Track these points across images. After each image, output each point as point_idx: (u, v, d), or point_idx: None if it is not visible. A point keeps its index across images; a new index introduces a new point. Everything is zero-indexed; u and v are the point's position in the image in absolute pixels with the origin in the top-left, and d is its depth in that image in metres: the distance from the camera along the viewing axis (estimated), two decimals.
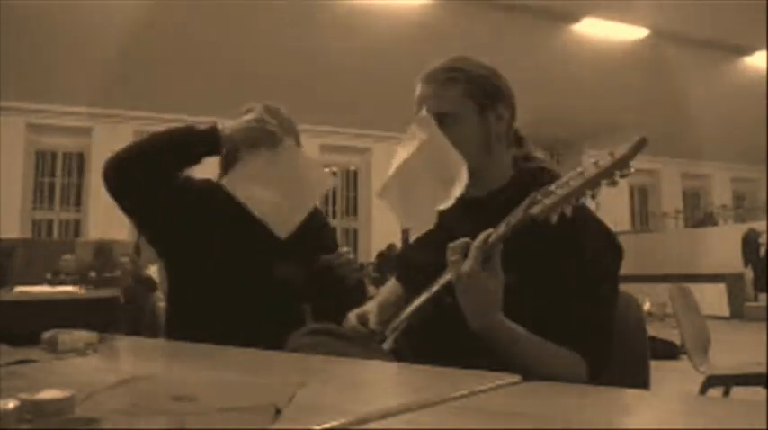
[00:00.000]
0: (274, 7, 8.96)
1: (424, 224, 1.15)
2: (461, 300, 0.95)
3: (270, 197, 1.51)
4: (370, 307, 1.26)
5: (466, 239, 0.94)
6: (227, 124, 1.50)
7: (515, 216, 0.93)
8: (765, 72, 11.66)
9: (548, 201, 0.90)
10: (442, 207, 1.11)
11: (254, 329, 1.33)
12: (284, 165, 1.52)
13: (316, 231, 1.64)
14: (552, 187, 0.91)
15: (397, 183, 1.19)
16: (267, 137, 1.49)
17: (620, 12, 10.25)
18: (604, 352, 1.00)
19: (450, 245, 0.95)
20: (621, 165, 0.88)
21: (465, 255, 0.93)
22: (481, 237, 0.92)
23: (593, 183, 0.89)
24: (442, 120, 1.12)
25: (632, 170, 0.88)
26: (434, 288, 1.07)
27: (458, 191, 1.09)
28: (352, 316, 1.23)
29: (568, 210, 0.90)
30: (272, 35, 9.30)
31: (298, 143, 1.63)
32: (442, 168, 1.11)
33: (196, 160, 1.50)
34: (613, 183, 0.88)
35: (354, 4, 9.44)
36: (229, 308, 1.52)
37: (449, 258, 0.95)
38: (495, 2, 9.51)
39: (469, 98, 1.12)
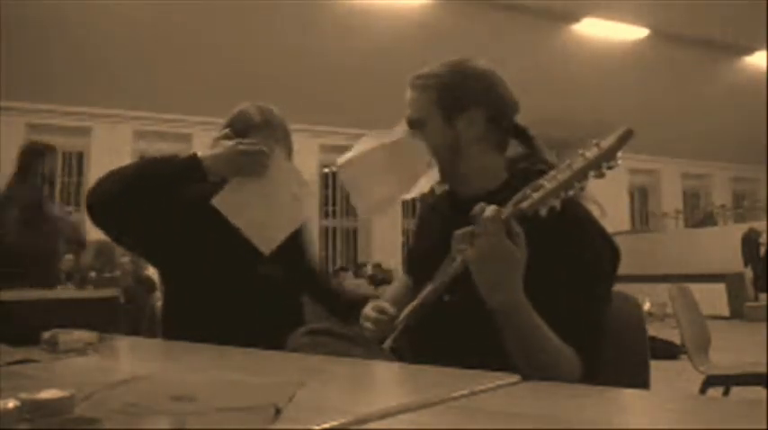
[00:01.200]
0: (274, 7, 8.96)
1: (371, 209, 1.30)
2: (479, 273, 0.91)
3: (257, 216, 1.53)
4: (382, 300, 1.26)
5: (469, 229, 0.93)
6: (207, 152, 1.49)
7: (506, 210, 0.93)
8: (765, 72, 11.66)
9: (536, 195, 0.91)
10: (403, 199, 1.23)
11: (251, 329, 1.33)
12: (273, 181, 1.53)
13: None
14: (541, 181, 0.92)
15: (359, 163, 1.27)
16: (251, 165, 1.49)
17: (620, 12, 10.25)
18: (598, 351, 0.99)
19: (456, 233, 0.94)
20: (608, 156, 0.88)
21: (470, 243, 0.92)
22: (490, 210, 0.90)
23: (580, 176, 0.89)
24: (411, 126, 1.18)
25: (619, 162, 0.89)
26: (433, 285, 1.08)
27: (423, 186, 1.18)
28: (368, 309, 1.23)
29: (558, 204, 0.90)
30: (272, 35, 9.30)
31: (289, 149, 1.62)
32: (412, 164, 1.19)
33: (180, 187, 1.50)
34: (601, 175, 0.89)
35: (354, 4, 9.44)
36: (225, 309, 1.51)
37: (455, 248, 0.94)
38: (495, 2, 9.51)
39: (437, 105, 1.16)
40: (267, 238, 1.54)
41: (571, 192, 0.90)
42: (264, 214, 1.54)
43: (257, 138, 1.53)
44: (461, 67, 1.18)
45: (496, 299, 0.92)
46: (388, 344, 1.13)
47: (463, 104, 1.15)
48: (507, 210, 0.91)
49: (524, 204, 0.91)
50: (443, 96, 1.15)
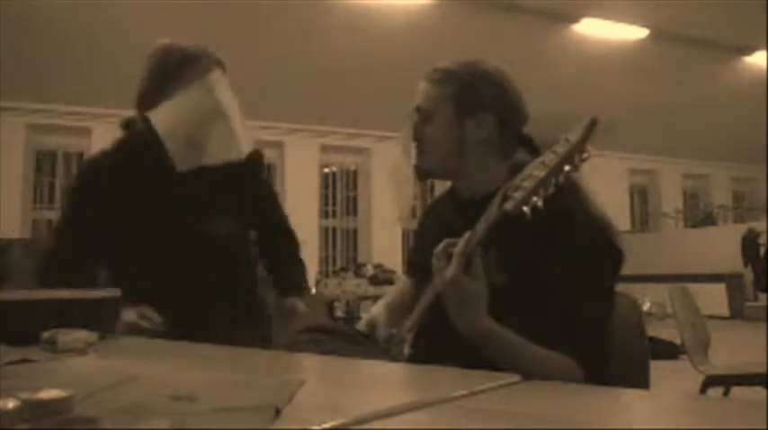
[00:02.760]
0: (275, 8, 8.96)
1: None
2: (448, 307, 0.94)
3: (183, 132, 1.52)
4: (378, 310, 1.26)
5: (451, 240, 0.94)
6: None
7: (490, 214, 0.93)
8: (765, 72, 11.65)
9: (518, 195, 0.91)
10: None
11: (209, 299, 1.45)
12: (214, 107, 1.52)
13: (252, 189, 1.68)
14: (519, 181, 0.92)
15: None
16: None
17: (619, 12, 10.24)
18: (595, 357, 0.98)
19: (435, 251, 0.95)
20: (579, 148, 0.89)
21: (449, 260, 0.93)
22: (461, 241, 0.92)
23: (556, 171, 0.89)
24: (419, 114, 1.18)
25: (589, 155, 0.90)
26: (437, 287, 1.07)
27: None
28: (362, 323, 1.23)
29: (540, 202, 0.90)
30: (273, 36, 9.30)
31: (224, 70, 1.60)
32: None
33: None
34: (575, 169, 0.89)
35: (355, 5, 9.43)
36: (171, 271, 1.52)
37: (434, 266, 0.95)
38: (495, 2, 9.50)
39: (451, 102, 1.15)
40: (186, 158, 1.52)
41: (551, 190, 0.90)
42: (194, 134, 1.52)
43: (195, 71, 1.52)
44: (480, 68, 1.17)
45: (463, 329, 0.94)
46: (407, 350, 1.12)
47: (477, 106, 1.14)
48: (460, 246, 0.92)
49: (508, 205, 0.91)
50: (459, 95, 1.15)
